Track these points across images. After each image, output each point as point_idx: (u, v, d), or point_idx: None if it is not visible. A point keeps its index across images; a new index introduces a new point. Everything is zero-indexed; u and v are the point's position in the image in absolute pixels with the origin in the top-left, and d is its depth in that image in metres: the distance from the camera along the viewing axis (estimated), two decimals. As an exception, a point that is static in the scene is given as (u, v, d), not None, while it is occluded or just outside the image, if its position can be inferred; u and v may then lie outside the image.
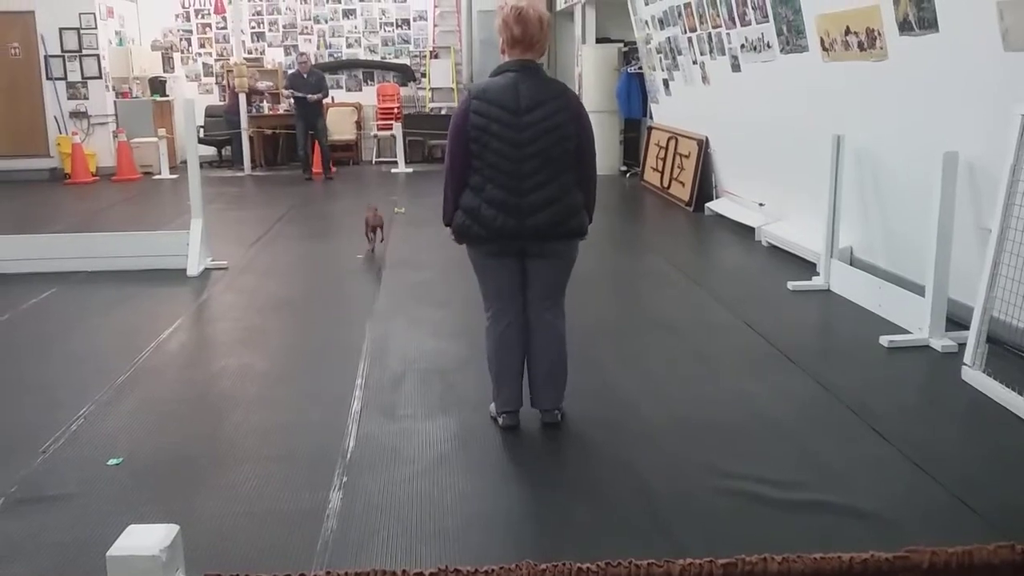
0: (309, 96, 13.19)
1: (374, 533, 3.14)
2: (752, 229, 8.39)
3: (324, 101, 13.80)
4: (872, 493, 3.39)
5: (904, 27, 5.25)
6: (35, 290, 6.69)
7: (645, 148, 12.55)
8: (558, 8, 15.37)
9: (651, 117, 12.56)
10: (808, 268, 6.92)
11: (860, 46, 5.84)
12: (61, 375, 4.92)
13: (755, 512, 3.27)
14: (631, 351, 5.23)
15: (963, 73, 4.85)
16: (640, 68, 12.48)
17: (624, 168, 13.42)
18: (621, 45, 13.39)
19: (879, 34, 5.56)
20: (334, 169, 14.18)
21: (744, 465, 3.63)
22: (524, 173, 3.69)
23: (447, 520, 3.24)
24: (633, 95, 12.86)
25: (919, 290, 5.37)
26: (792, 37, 6.90)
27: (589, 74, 13.31)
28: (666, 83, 11.14)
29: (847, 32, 5.96)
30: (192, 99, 8.68)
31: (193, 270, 7.19)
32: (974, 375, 4.47)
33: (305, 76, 13.39)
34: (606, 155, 13.38)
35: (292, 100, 13.63)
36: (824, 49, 6.38)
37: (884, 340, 5.14)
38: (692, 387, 4.61)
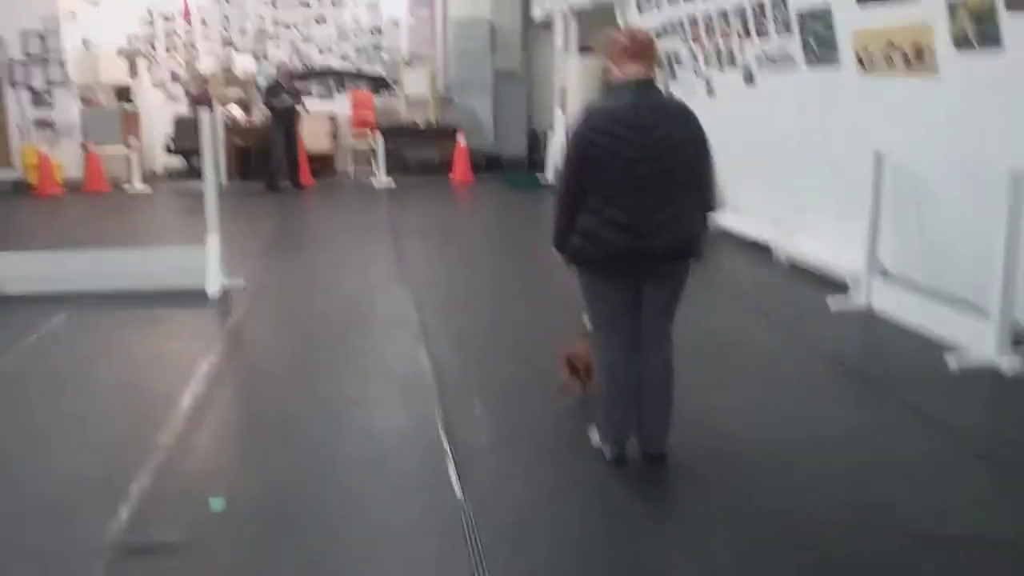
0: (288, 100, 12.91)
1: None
2: (760, 244, 8.39)
3: (299, 110, 13.51)
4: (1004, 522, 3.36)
5: (961, 43, 5.27)
6: (45, 313, 6.30)
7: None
8: (534, 18, 15.34)
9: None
10: (832, 285, 6.89)
11: (906, 61, 5.86)
12: (109, 409, 4.63)
13: (910, 550, 3.19)
14: (702, 375, 5.08)
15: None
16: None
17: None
18: (605, 56, 13.35)
19: (929, 50, 5.59)
20: (312, 181, 13.87)
21: (886, 500, 3.55)
22: (646, 193, 3.58)
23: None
24: (620, 106, 12.81)
25: (968, 307, 5.43)
26: (822, 51, 6.91)
27: (573, 86, 13.26)
28: (661, 95, 11.12)
29: (890, 46, 5.98)
30: (224, 109, 8.17)
31: (212, 289, 6.89)
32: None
33: (284, 85, 13.06)
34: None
35: (271, 109, 13.26)
36: (860, 64, 6.39)
37: (951, 360, 5.13)
38: (784, 414, 4.53)
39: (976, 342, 5.22)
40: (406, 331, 5.89)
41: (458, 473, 3.77)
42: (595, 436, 3.97)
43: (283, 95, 13.04)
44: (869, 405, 4.73)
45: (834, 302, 6.50)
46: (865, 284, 6.45)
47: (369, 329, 6.07)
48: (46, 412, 4.58)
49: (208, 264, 6.96)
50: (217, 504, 3.48)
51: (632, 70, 3.68)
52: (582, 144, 3.61)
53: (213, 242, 7.05)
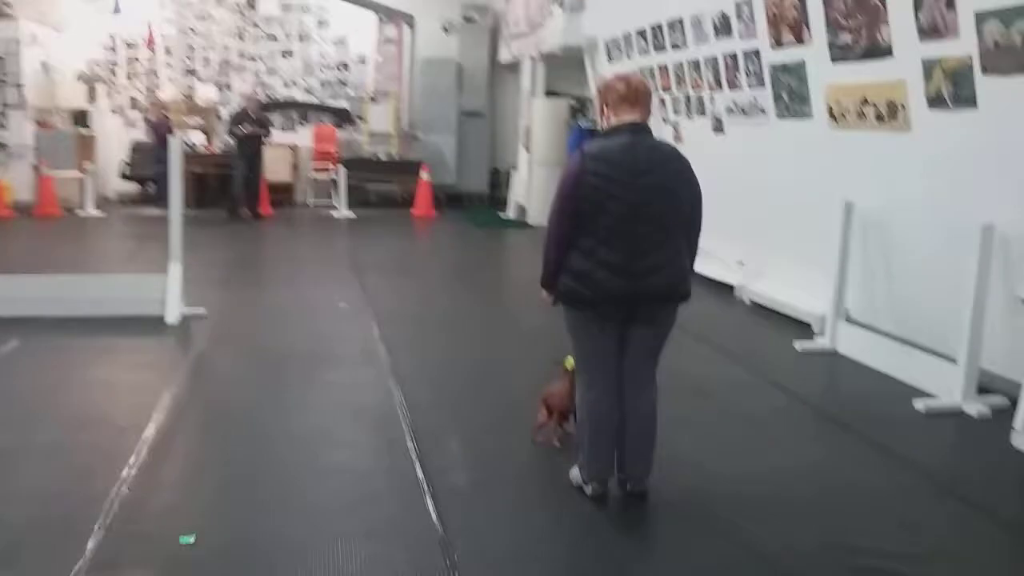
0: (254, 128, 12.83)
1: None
2: (723, 285, 8.48)
3: (264, 140, 13.41)
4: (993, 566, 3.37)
5: (936, 102, 5.41)
6: (-4, 337, 6.07)
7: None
8: (500, 60, 15.48)
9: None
10: (797, 328, 7.01)
11: (879, 117, 6.00)
12: (74, 440, 4.41)
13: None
14: (673, 414, 5.06)
15: (1000, 149, 5.01)
16: (593, 123, 12.59)
17: (571, 221, 13.42)
18: (570, 99, 13.50)
19: (902, 107, 5.73)
20: (271, 211, 13.72)
21: (861, 539, 3.56)
22: (640, 235, 3.58)
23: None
24: (584, 149, 12.93)
25: (933, 354, 5.53)
26: (794, 104, 7.05)
27: (538, 127, 13.36)
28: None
29: (864, 103, 6.12)
30: (184, 136, 8.03)
31: (172, 317, 6.71)
32: (1025, 441, 4.56)
33: (252, 115, 12.96)
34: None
35: (234, 137, 13.13)
36: (832, 117, 6.53)
37: (919, 405, 5.20)
38: (757, 452, 4.54)
39: (943, 387, 5.30)
40: (374, 367, 5.78)
41: (438, 512, 3.67)
42: (575, 474, 3.91)
43: (249, 123, 12.92)
44: (840, 444, 4.76)
45: (800, 344, 6.57)
46: (831, 327, 6.54)
47: (336, 364, 5.93)
48: (6, 441, 4.37)
49: (169, 292, 6.79)
50: (187, 538, 3.34)
51: (623, 111, 3.70)
52: (578, 184, 3.60)
53: (175, 270, 6.89)
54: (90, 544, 3.26)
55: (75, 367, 5.66)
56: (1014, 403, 4.94)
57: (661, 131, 10.01)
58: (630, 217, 3.56)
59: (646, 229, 3.59)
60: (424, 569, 3.24)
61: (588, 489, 3.82)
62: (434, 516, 3.64)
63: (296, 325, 6.96)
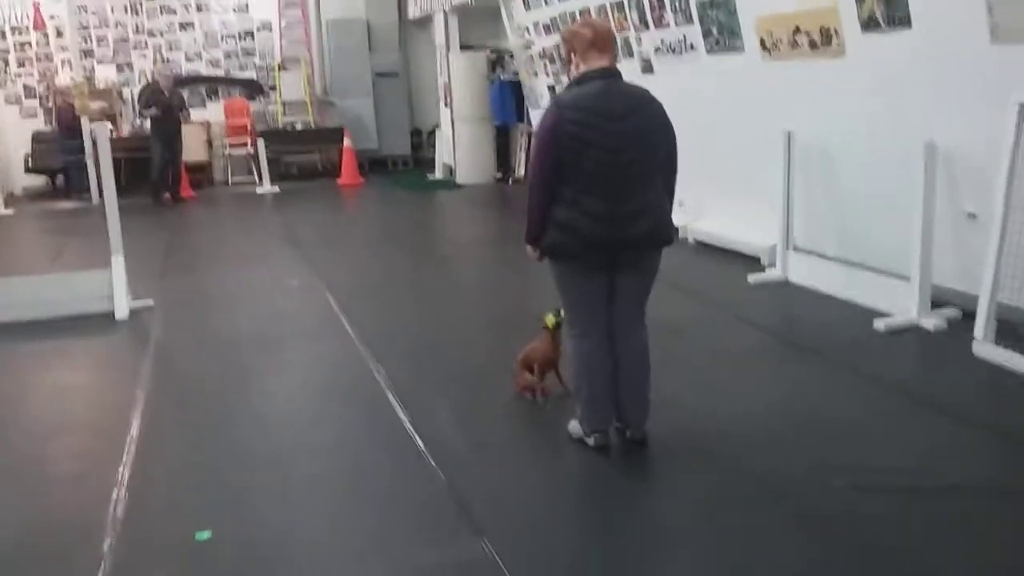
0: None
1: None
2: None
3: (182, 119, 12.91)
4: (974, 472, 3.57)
5: (869, 25, 5.54)
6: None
7: (527, 153, 12.61)
8: (410, 17, 15.19)
9: (530, 123, 12.62)
10: (745, 262, 7.17)
11: (812, 45, 6.11)
12: (57, 448, 4.26)
13: (900, 503, 3.34)
14: (653, 356, 5.19)
15: (937, 67, 5.17)
16: (515, 75, 12.52)
17: (499, 175, 13.40)
18: (488, 52, 13.36)
19: (835, 32, 5.85)
20: (193, 193, 13.29)
21: (854, 458, 3.72)
22: (621, 181, 3.60)
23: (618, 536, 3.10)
24: (507, 102, 12.88)
25: (885, 275, 5.74)
26: (724, 38, 7.13)
27: (458, 82, 13.20)
28: (552, 88, 11.23)
29: (796, 32, 6.22)
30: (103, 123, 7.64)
31: (121, 312, 6.48)
32: (986, 348, 4.78)
33: (166, 93, 12.44)
34: (480, 162, 13.36)
35: (149, 119, 12.61)
36: (765, 49, 6.63)
37: (879, 324, 5.40)
38: (738, 386, 4.69)
39: (898, 305, 5.51)
40: (343, 341, 5.71)
41: (448, 478, 3.69)
42: (575, 427, 3.97)
43: (163, 102, 12.38)
44: (811, 369, 4.94)
45: (752, 277, 6.73)
46: (781, 258, 6.71)
47: (305, 341, 5.86)
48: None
49: (115, 286, 6.55)
50: (203, 535, 3.28)
51: (592, 57, 3.70)
52: (556, 135, 3.58)
53: (118, 263, 6.64)
54: (105, 550, 3.19)
55: (31, 374, 5.45)
56: (967, 315, 5.18)
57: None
58: (610, 164, 3.57)
59: (626, 174, 3.61)
60: (449, 537, 3.26)
61: (590, 441, 3.87)
62: (445, 483, 3.66)
63: (252, 307, 6.81)
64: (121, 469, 3.87)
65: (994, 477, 3.57)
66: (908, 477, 3.54)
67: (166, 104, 12.44)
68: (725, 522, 3.29)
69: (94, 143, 13.26)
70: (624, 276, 3.77)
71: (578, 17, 9.55)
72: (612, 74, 3.69)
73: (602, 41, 3.69)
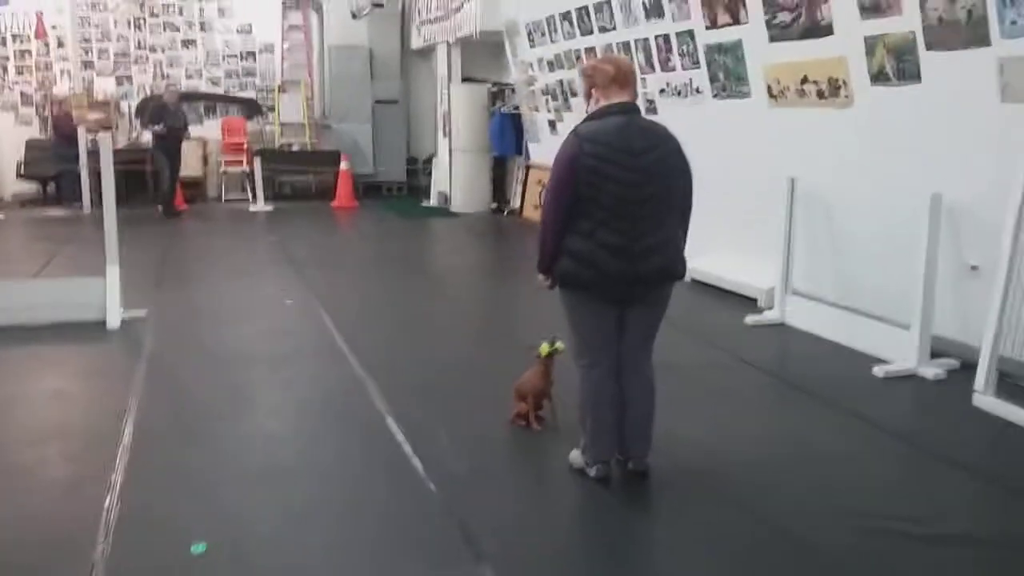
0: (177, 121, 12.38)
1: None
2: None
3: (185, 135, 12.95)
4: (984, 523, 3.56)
5: (879, 78, 5.61)
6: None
7: (524, 186, 12.66)
8: (413, 47, 15.30)
9: (528, 156, 12.68)
10: (741, 303, 7.19)
11: (820, 95, 6.19)
12: (50, 455, 4.17)
13: (905, 550, 3.31)
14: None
15: (946, 122, 5.24)
16: (516, 108, 12.60)
17: (495, 205, 13.44)
18: (489, 85, 13.46)
19: (844, 83, 5.92)
20: (186, 207, 13.25)
21: (857, 501, 3.70)
22: (639, 216, 3.61)
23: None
24: (506, 134, 12.96)
25: (884, 322, 5.76)
26: (731, 84, 7.21)
27: (458, 113, 13.27)
28: (552, 124, 11.31)
29: (804, 80, 6.30)
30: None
31: (114, 322, 6.40)
32: (987, 400, 4.80)
33: (172, 108, 12.44)
34: (476, 192, 13.40)
35: (152, 133, 12.59)
36: (772, 96, 6.70)
37: (878, 370, 5.41)
38: (735, 424, 4.67)
39: (897, 353, 5.53)
40: (340, 361, 5.66)
41: (446, 502, 3.64)
42: (576, 456, 3.93)
43: (169, 118, 12.38)
44: (811, 411, 4.92)
45: (750, 318, 6.75)
46: (779, 300, 6.74)
47: (301, 360, 5.79)
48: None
49: (109, 296, 6.48)
50: (198, 548, 3.21)
51: (613, 92, 3.72)
52: (575, 168, 3.58)
53: (113, 272, 6.57)
54: (98, 559, 3.11)
55: (24, 379, 5.34)
56: (965, 365, 5.21)
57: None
58: (628, 199, 3.58)
59: (644, 210, 3.62)
60: (451, 561, 3.21)
61: (592, 471, 3.83)
62: (444, 507, 3.61)
63: (247, 324, 6.74)
64: (113, 475, 3.79)
65: (1006, 530, 3.55)
66: (915, 524, 3.51)
67: (172, 121, 12.42)
68: (726, 555, 3.27)
69: (89, 153, 13.33)
70: (634, 310, 3.77)
71: (583, 55, 9.66)
72: (632, 109, 3.72)
73: (623, 77, 3.72)
